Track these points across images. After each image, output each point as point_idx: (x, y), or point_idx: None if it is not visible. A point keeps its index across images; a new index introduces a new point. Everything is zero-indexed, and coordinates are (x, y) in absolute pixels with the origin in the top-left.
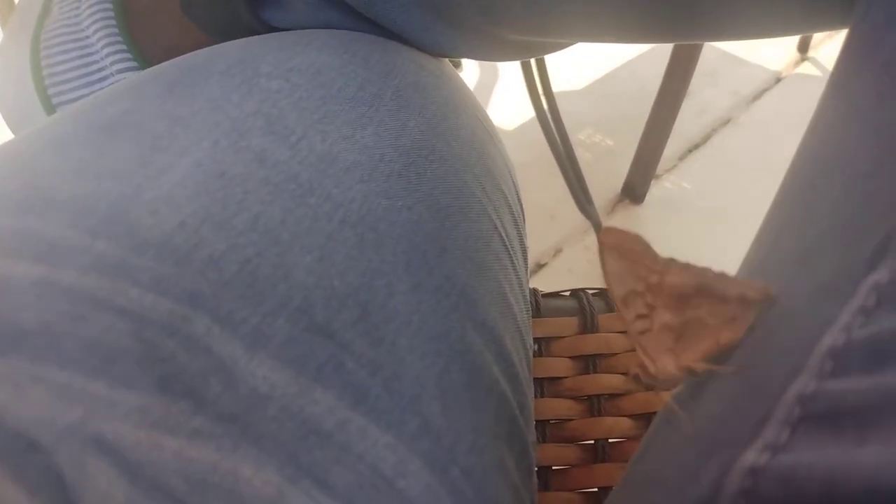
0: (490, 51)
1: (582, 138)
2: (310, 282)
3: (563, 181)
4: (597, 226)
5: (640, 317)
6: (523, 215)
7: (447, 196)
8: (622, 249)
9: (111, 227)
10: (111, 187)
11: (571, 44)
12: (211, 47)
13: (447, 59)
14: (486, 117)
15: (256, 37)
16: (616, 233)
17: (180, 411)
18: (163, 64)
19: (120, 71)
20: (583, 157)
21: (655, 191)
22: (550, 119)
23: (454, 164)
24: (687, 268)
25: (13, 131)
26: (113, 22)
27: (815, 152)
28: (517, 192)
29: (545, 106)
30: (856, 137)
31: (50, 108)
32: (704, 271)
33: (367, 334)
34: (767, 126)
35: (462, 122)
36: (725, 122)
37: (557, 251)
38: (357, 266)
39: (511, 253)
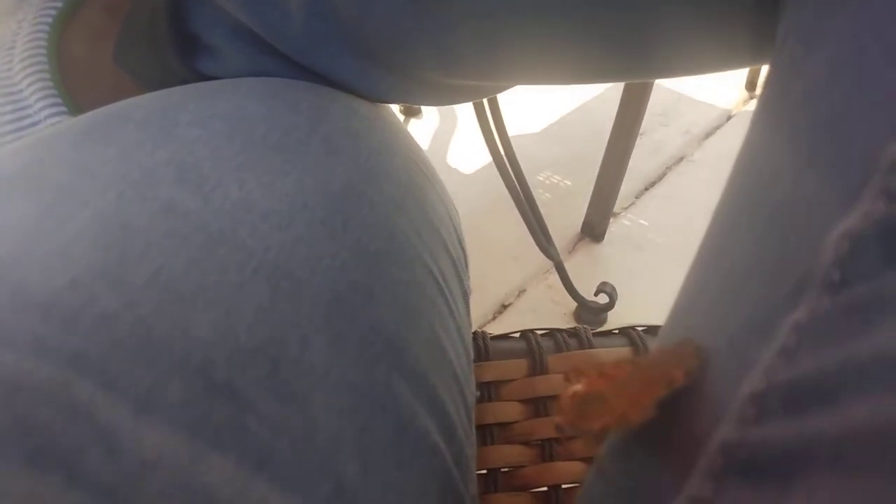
0: (429, 95)
1: (541, 179)
2: (212, 338)
3: (523, 222)
4: (558, 264)
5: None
6: (465, 258)
7: (376, 241)
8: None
9: None
10: (1, 244)
11: (513, 85)
12: (136, 97)
13: (386, 105)
14: (426, 161)
15: (183, 86)
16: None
17: (49, 486)
18: (84, 114)
19: (54, 124)
20: (542, 197)
21: (614, 228)
22: (507, 162)
23: (386, 208)
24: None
25: None
26: (47, 75)
27: (739, 187)
28: (458, 236)
29: (501, 150)
30: (775, 172)
31: None
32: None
33: (275, 392)
34: (720, 162)
35: (397, 165)
36: (679, 160)
37: (521, 291)
38: (268, 319)
39: (448, 297)
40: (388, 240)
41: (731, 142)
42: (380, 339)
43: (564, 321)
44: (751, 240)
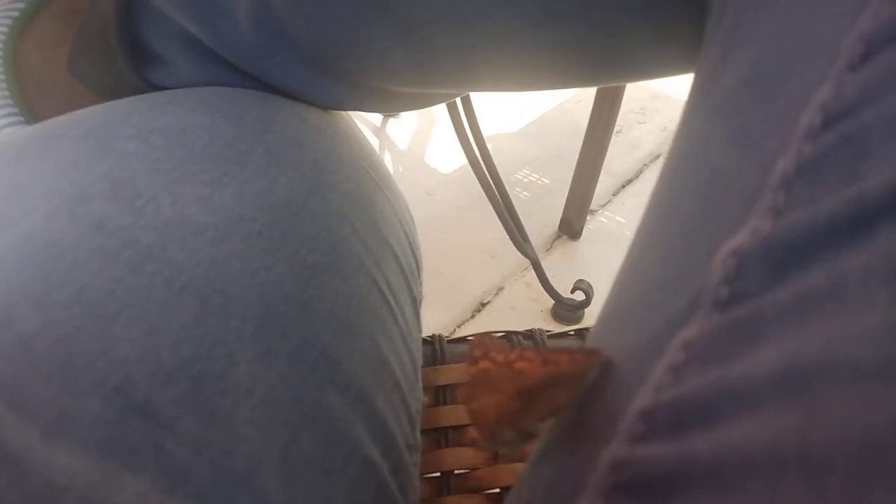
0: (381, 103)
1: (519, 178)
2: (133, 357)
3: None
4: (534, 262)
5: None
6: (418, 265)
7: (316, 253)
8: (485, 340)
9: None
10: None
11: (463, 93)
12: (82, 110)
13: (341, 112)
14: (379, 168)
15: (130, 98)
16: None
17: None
18: (25, 129)
19: (8, 136)
20: (520, 196)
21: (592, 226)
22: (481, 161)
23: (329, 219)
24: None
25: None
26: (3, 83)
27: (658, 194)
28: (410, 243)
29: (476, 149)
30: (688, 182)
31: None
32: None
33: (195, 410)
34: None
35: (344, 174)
36: (656, 157)
37: (499, 289)
38: (193, 336)
39: (393, 306)
40: (329, 251)
41: None
42: (313, 353)
43: (542, 318)
44: (661, 249)
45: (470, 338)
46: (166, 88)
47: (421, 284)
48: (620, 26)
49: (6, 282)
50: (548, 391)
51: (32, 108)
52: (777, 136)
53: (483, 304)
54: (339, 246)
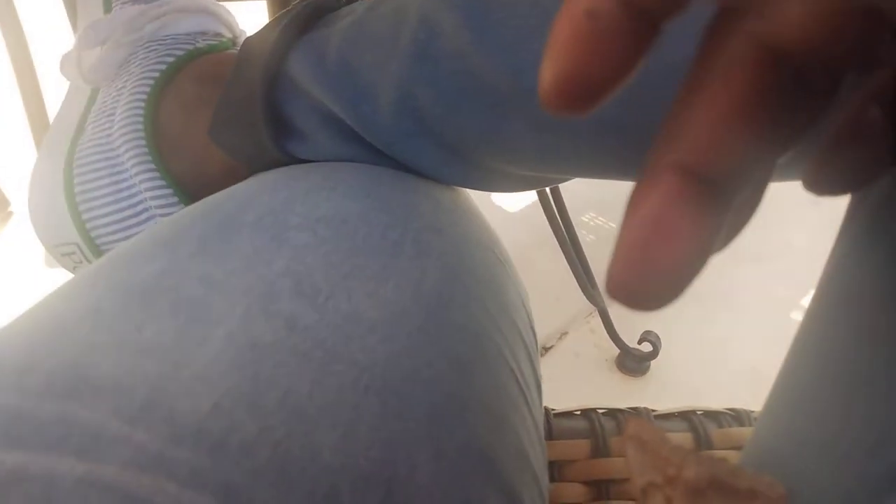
0: (503, 183)
1: (585, 220)
2: (336, 463)
3: (567, 263)
4: (602, 309)
5: None
6: (536, 343)
7: (465, 346)
8: (642, 440)
9: (150, 414)
10: (151, 367)
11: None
12: (238, 189)
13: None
14: (498, 243)
15: (282, 177)
16: (638, 422)
17: None
18: (193, 209)
19: (149, 189)
20: (586, 239)
21: None
22: (553, 203)
23: (470, 307)
24: (701, 461)
25: (45, 247)
26: (143, 142)
27: (822, 316)
28: (530, 320)
29: (548, 191)
30: (864, 327)
31: (80, 225)
32: (717, 464)
33: None
34: (765, 209)
35: (478, 259)
36: None
37: (563, 334)
38: (380, 438)
39: (526, 395)
40: (474, 342)
41: (777, 189)
42: (474, 452)
43: (607, 367)
44: (842, 392)
45: (576, 412)
46: (303, 159)
47: (539, 364)
48: None
49: (222, 385)
50: None
51: (167, 166)
52: None
53: (546, 349)
54: (482, 336)
